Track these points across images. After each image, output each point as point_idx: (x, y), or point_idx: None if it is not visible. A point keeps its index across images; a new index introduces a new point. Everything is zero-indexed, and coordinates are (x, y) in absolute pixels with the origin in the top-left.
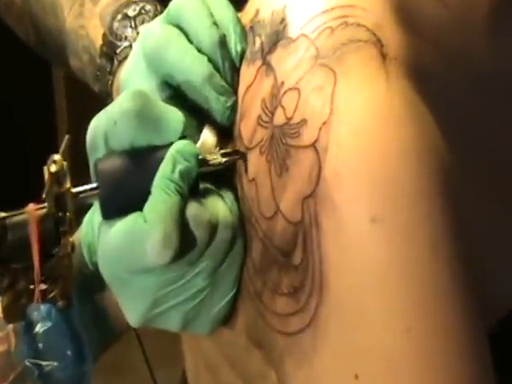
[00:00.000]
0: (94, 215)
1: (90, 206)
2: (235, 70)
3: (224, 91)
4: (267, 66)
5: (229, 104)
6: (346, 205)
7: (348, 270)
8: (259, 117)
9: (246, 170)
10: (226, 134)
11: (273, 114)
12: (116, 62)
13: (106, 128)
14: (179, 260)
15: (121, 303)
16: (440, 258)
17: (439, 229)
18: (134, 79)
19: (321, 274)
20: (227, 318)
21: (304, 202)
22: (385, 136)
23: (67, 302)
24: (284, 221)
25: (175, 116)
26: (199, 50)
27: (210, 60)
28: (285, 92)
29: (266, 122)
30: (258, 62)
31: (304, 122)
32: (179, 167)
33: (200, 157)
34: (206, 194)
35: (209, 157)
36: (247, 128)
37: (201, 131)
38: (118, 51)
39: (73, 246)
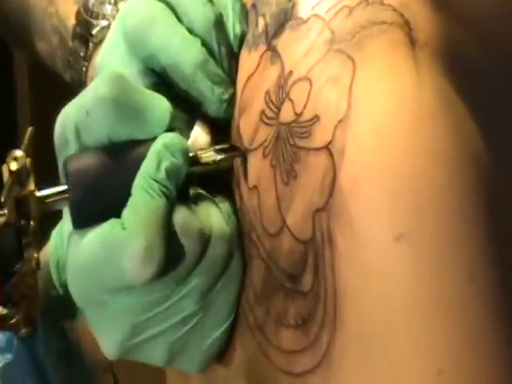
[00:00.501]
0: (64, 225)
1: (59, 213)
2: (233, 56)
3: (220, 81)
4: (273, 51)
5: (225, 97)
6: (366, 220)
7: (367, 298)
8: (262, 112)
9: (246, 176)
10: (221, 132)
11: (279, 109)
12: (92, 45)
13: (77, 119)
14: (164, 277)
15: (94, 330)
16: (474, 269)
17: (471, 227)
18: (111, 64)
19: (335, 302)
20: (222, 353)
21: (315, 215)
22: (413, 137)
23: (31, 329)
24: (291, 238)
25: (161, 104)
26: (190, 31)
27: (204, 43)
28: (294, 83)
29: (271, 119)
30: (262, 47)
31: (316, 118)
32: (165, 164)
33: (191, 154)
34: (197, 199)
35: (201, 154)
36: (248, 125)
37: (191, 128)
38: (94, 32)
39: (37, 262)
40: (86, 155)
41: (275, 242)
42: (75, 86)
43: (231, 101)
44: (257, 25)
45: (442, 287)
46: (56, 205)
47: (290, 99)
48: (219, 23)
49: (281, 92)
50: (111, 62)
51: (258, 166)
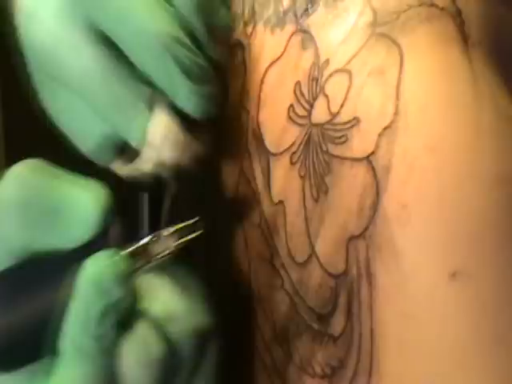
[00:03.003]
0: None
1: None
2: (217, 33)
3: (199, 73)
4: (304, 33)
5: (203, 93)
6: (416, 253)
7: (414, 348)
8: (291, 108)
9: (269, 187)
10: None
11: (312, 105)
12: None
13: None
14: None
15: None
16: None
17: None
18: (43, 14)
19: (371, 351)
20: None
21: (350, 244)
22: (475, 157)
23: None
24: (320, 270)
25: (84, 198)
26: None
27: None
28: (330, 75)
29: (302, 118)
30: (290, 28)
31: (355, 121)
32: (97, 309)
33: (129, 250)
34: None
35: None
36: (272, 123)
37: (155, 106)
38: None
39: None
40: None
41: (303, 274)
42: None
43: (213, 96)
44: None
45: (507, 332)
46: None
47: (326, 95)
48: None
49: (314, 85)
50: (44, 12)
51: (284, 176)
